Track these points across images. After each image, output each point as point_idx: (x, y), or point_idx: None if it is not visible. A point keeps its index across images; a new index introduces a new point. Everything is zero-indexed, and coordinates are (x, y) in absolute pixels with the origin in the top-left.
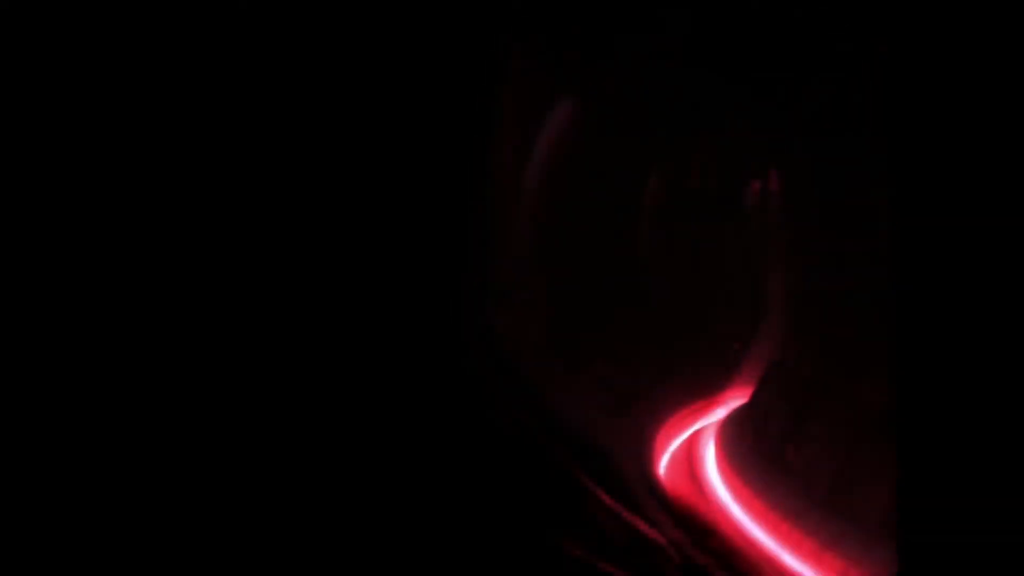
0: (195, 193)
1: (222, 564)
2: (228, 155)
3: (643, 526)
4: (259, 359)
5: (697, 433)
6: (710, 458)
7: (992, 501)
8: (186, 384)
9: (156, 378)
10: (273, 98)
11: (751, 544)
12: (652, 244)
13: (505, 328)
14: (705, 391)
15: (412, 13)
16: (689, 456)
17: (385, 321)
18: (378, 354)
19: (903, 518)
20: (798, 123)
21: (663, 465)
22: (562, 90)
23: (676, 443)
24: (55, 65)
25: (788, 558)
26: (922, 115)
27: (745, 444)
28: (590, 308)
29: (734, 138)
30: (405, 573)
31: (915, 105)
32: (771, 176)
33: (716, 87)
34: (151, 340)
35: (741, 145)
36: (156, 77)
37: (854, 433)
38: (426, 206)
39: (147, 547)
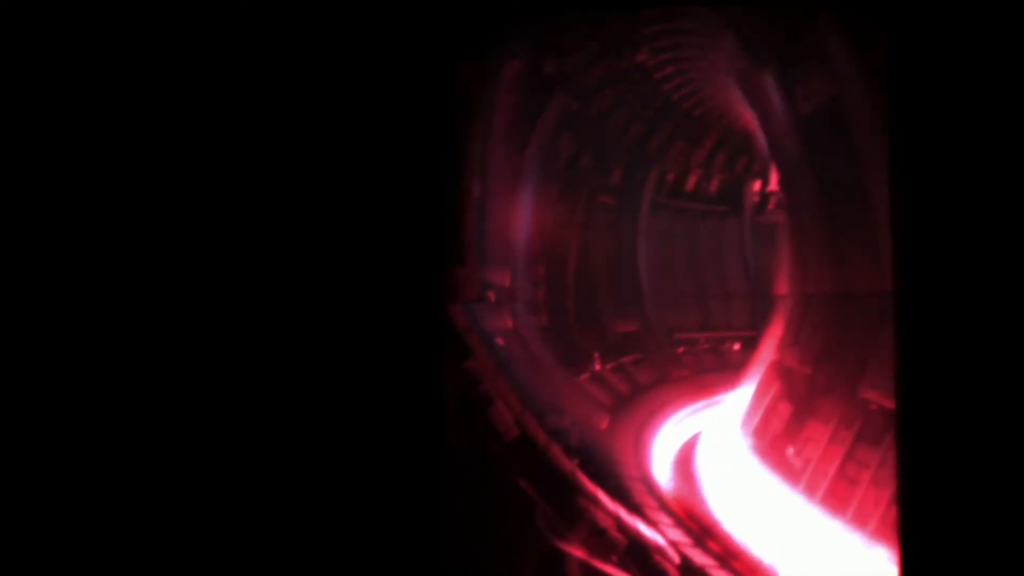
0: (184, 195)
1: (217, 565)
2: (222, 158)
3: (643, 526)
4: (252, 359)
5: (697, 433)
6: (710, 458)
7: (994, 501)
8: (178, 387)
9: (143, 376)
10: (268, 98)
11: (751, 544)
12: (651, 244)
13: (504, 328)
14: (705, 391)
15: (401, 12)
16: (689, 456)
17: (383, 322)
18: (376, 355)
19: (903, 518)
20: (798, 123)
21: (663, 465)
22: (561, 89)
23: (676, 443)
24: (55, 65)
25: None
26: (923, 115)
27: (745, 444)
28: (589, 308)
29: (734, 138)
30: (404, 573)
31: (916, 105)
32: (771, 176)
33: (716, 87)
34: (139, 336)
35: (741, 145)
36: (151, 76)
37: (854, 433)
38: (424, 206)
39: (135, 547)
